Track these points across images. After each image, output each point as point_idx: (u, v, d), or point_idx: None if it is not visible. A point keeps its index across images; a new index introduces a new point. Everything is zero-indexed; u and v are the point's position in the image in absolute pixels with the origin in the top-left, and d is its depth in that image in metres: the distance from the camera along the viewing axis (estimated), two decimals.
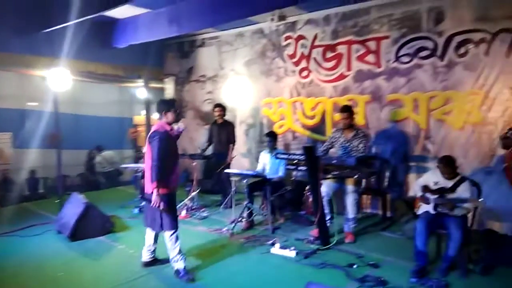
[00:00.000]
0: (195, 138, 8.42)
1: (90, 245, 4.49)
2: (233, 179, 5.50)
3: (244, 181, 5.15)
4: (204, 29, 7.44)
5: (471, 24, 4.93)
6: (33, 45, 6.47)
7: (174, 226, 3.58)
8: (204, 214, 5.78)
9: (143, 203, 6.07)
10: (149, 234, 3.77)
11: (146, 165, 3.55)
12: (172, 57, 8.85)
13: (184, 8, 6.04)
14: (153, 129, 3.61)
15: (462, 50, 5.01)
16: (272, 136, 5.51)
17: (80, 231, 4.57)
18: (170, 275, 3.61)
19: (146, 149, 3.60)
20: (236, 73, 7.64)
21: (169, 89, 9.00)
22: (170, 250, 3.60)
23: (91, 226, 4.70)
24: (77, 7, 5.26)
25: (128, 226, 5.27)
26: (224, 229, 4.98)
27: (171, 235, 3.56)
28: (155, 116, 9.63)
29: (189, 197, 5.97)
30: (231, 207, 5.54)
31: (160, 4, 6.23)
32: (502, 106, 4.76)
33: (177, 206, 5.79)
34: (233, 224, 5.04)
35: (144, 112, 9.33)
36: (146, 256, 3.81)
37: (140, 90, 8.92)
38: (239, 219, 5.15)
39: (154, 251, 3.83)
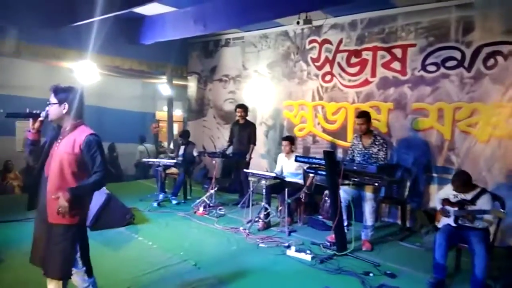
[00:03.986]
0: (216, 136, 8.51)
1: (110, 235, 4.59)
2: (251, 179, 5.54)
3: (262, 182, 5.18)
4: (229, 30, 7.51)
5: (500, 36, 4.83)
6: (62, 38, 6.66)
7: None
8: (221, 212, 5.83)
9: (161, 196, 6.25)
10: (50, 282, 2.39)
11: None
12: (196, 55, 8.96)
13: (210, 8, 6.13)
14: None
15: (490, 62, 4.92)
16: (289, 140, 5.53)
17: (101, 221, 4.69)
18: (188, 268, 3.67)
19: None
20: (259, 74, 7.68)
21: (191, 87, 9.12)
22: None
23: (112, 216, 4.81)
24: (106, 2, 5.36)
25: (147, 219, 5.37)
26: (240, 228, 5.03)
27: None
28: (177, 112, 9.80)
29: (207, 195, 6.04)
30: (248, 206, 5.58)
31: (187, 3, 6.33)
32: None
33: (196, 203, 5.93)
34: (249, 224, 5.09)
35: (166, 108, 9.49)
36: None
37: (163, 86, 9.08)
38: (256, 219, 5.19)
39: None
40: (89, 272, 2.42)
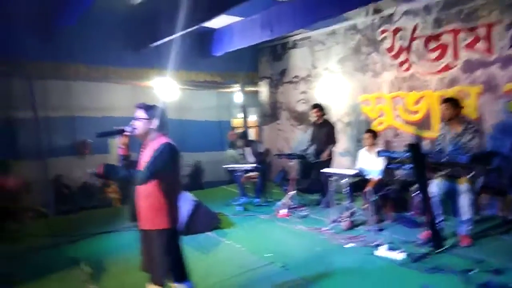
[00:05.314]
0: (290, 138, 8.53)
1: (200, 240, 4.83)
2: (332, 178, 5.45)
3: (343, 180, 5.06)
4: (295, 31, 7.51)
5: None
6: (142, 59, 7.28)
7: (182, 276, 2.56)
8: (304, 213, 5.82)
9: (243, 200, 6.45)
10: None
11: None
12: (266, 60, 9.10)
13: (276, 12, 6.20)
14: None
15: None
16: (372, 133, 5.35)
17: (191, 226, 4.96)
18: (276, 270, 3.72)
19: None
20: (330, 72, 7.55)
21: (263, 91, 9.28)
22: None
23: (200, 222, 5.07)
24: (180, 20, 5.69)
25: (233, 223, 5.56)
26: (325, 229, 4.96)
27: None
28: (251, 118, 10.04)
29: (287, 196, 6.07)
30: (330, 206, 5.48)
31: (253, 11, 6.47)
32: None
33: (278, 205, 5.97)
34: (333, 224, 5.00)
35: (241, 115, 9.76)
36: None
37: (236, 94, 9.37)
38: (340, 218, 5.08)
39: None
40: (186, 276, 2.54)
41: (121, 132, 2.51)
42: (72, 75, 6.89)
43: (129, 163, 2.55)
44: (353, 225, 5.02)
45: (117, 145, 2.61)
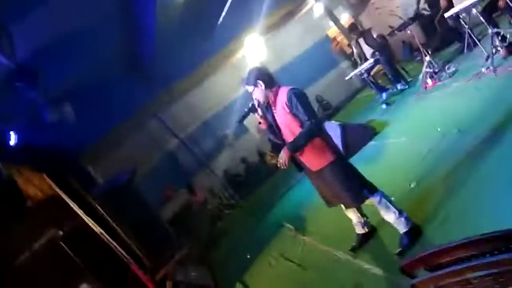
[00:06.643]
0: (394, 7, 7.63)
1: (367, 154, 4.81)
2: (461, 16, 4.68)
3: (473, 11, 4.28)
4: None
5: None
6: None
7: (370, 190, 2.60)
8: (452, 69, 5.19)
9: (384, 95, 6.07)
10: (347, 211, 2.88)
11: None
12: None
13: None
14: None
15: None
16: None
17: (350, 147, 4.99)
18: (453, 138, 3.46)
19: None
20: None
21: None
22: (385, 216, 2.63)
23: (355, 139, 5.05)
24: None
25: (387, 122, 5.36)
26: (484, 69, 4.33)
27: (378, 201, 2.59)
28: (343, 17, 9.33)
29: (425, 64, 5.48)
30: (474, 46, 4.75)
31: None
32: None
33: (420, 79, 5.48)
34: (489, 60, 4.33)
35: (332, 24, 9.20)
36: (360, 230, 2.94)
37: (315, 7, 8.81)
38: (494, 50, 4.36)
39: (366, 222, 2.93)
40: (373, 189, 2.60)
41: (253, 109, 2.68)
42: (182, 92, 7.65)
43: (272, 130, 2.70)
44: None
45: (255, 122, 2.77)
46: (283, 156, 2.50)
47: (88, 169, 6.82)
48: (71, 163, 5.82)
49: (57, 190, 3.83)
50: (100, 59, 5.59)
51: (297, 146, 2.51)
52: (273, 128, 2.69)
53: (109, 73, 6.28)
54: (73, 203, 3.84)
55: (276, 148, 2.94)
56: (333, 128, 5.12)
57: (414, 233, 2.54)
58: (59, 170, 4.24)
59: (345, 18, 9.28)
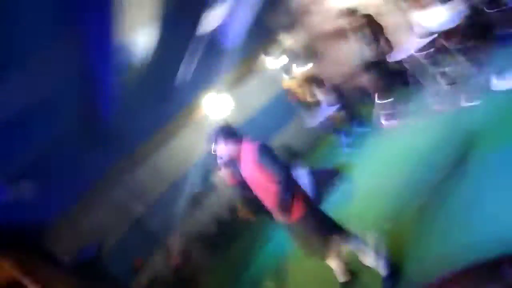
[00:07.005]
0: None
1: (337, 197, 4.81)
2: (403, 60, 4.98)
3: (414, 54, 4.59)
4: None
5: None
6: None
7: (345, 235, 2.62)
8: (404, 109, 5.44)
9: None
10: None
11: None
12: None
13: None
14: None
15: None
16: None
17: (320, 193, 5.01)
18: None
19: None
20: None
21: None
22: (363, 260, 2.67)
23: (324, 183, 5.10)
24: None
25: (351, 164, 5.44)
26: (435, 106, 4.58)
27: (354, 246, 2.63)
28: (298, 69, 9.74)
29: (379, 107, 5.73)
30: (422, 85, 5.04)
31: None
32: None
33: None
34: (437, 97, 4.60)
35: (286, 74, 9.57)
36: (342, 278, 2.88)
37: (268, 60, 9.19)
38: (439, 88, 4.66)
39: (347, 268, 2.89)
40: (348, 234, 2.60)
41: (219, 167, 2.65)
42: (146, 154, 7.55)
43: (243, 185, 2.68)
44: None
45: (223, 182, 2.74)
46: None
47: (51, 246, 6.35)
48: (32, 241, 5.43)
49: (19, 274, 3.52)
50: (59, 130, 5.45)
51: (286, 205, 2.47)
52: (243, 183, 2.68)
53: (69, 143, 6.10)
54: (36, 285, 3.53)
55: (248, 204, 2.88)
56: (301, 176, 5.17)
57: (395, 273, 2.52)
58: (20, 252, 3.93)
59: (300, 70, 9.71)
